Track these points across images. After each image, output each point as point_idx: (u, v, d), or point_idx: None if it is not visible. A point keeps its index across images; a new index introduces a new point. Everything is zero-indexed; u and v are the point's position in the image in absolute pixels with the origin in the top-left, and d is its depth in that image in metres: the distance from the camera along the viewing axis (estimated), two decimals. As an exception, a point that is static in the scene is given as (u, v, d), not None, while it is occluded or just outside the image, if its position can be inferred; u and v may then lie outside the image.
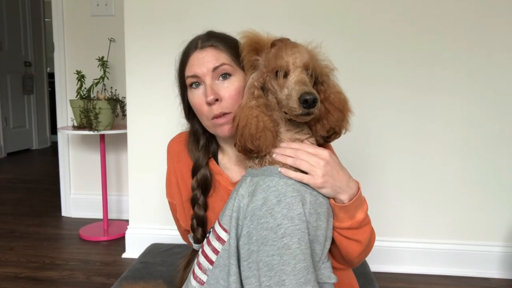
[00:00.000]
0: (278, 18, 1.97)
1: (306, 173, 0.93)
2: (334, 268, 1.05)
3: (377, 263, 2.02)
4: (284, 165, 0.94)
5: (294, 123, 0.96)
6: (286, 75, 0.90)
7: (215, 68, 1.04)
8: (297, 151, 0.94)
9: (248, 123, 0.93)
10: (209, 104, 1.04)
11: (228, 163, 1.17)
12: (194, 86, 1.08)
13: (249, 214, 0.89)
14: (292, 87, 0.88)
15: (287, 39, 0.95)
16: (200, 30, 1.15)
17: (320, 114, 0.94)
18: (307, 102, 0.84)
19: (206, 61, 1.05)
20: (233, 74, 1.05)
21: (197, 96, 1.07)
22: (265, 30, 0.98)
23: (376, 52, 1.95)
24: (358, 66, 1.95)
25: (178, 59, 1.14)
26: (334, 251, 1.05)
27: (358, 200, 0.97)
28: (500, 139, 1.95)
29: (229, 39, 1.10)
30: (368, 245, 1.04)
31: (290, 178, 0.91)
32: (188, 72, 1.08)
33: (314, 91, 0.86)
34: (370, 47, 1.95)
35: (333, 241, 1.02)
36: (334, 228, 0.99)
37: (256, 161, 0.98)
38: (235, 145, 0.98)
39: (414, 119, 1.97)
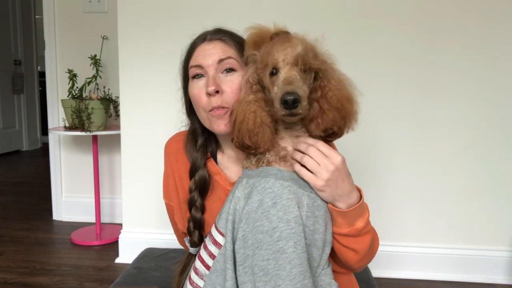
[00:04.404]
0: (274, 18, 1.97)
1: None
2: (335, 272, 1.06)
3: (379, 268, 2.02)
4: (294, 159, 0.93)
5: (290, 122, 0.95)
6: (277, 72, 0.89)
7: (220, 60, 1.04)
8: (309, 147, 0.93)
9: (246, 118, 0.93)
10: (209, 95, 1.03)
11: (228, 162, 1.17)
12: (196, 77, 1.08)
13: (245, 217, 0.89)
14: (279, 86, 0.87)
15: (284, 33, 0.94)
16: (196, 26, 1.16)
17: (314, 114, 0.93)
18: (286, 103, 0.84)
19: (212, 52, 1.05)
20: (238, 70, 1.05)
21: (197, 87, 1.07)
22: (272, 22, 0.97)
23: (381, 54, 1.95)
24: (362, 69, 1.95)
25: (184, 51, 1.14)
26: (334, 255, 1.05)
27: (359, 208, 0.96)
28: (506, 143, 1.96)
29: (238, 36, 1.11)
30: (370, 254, 1.04)
31: (287, 180, 0.91)
32: (193, 62, 1.08)
33: (298, 91, 0.85)
34: (374, 48, 1.95)
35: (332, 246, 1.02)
36: (332, 233, 0.99)
37: (253, 161, 0.97)
38: (232, 141, 0.98)
39: (419, 123, 1.97)
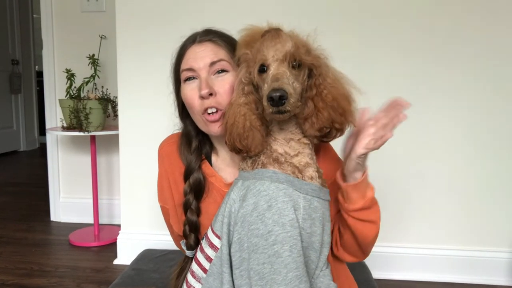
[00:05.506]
0: (273, 17, 1.97)
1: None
2: (342, 263, 1.10)
3: (380, 270, 2.03)
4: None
5: (284, 121, 0.94)
6: (267, 69, 0.89)
7: (212, 63, 1.05)
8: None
9: (236, 121, 0.93)
10: (202, 98, 1.04)
11: (222, 164, 1.18)
12: (188, 80, 1.08)
13: (240, 220, 0.89)
14: (268, 83, 0.86)
15: (274, 30, 0.93)
16: (195, 25, 1.16)
17: (309, 112, 0.92)
18: (273, 100, 0.83)
19: (204, 55, 1.05)
20: (230, 70, 1.06)
21: (190, 89, 1.08)
22: (266, 20, 0.96)
23: (381, 48, 1.96)
24: (359, 64, 1.96)
25: (175, 54, 1.14)
26: (348, 241, 1.07)
27: (366, 177, 1.02)
28: (508, 144, 1.96)
29: (228, 36, 1.11)
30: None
31: (282, 182, 0.90)
32: (184, 65, 1.08)
33: (285, 87, 0.84)
34: (377, 45, 1.96)
35: (345, 230, 1.04)
36: (347, 212, 1.02)
37: (249, 163, 0.97)
38: (226, 143, 0.98)
39: (420, 121, 1.97)
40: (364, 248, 1.09)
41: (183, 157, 1.16)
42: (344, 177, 1.03)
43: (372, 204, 1.03)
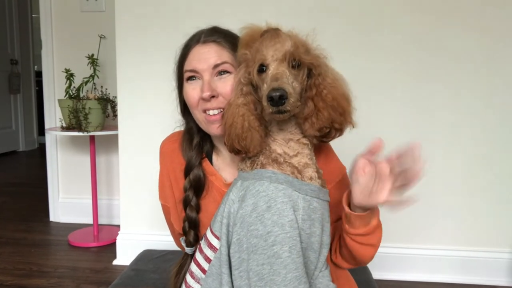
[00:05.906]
0: (273, 17, 1.97)
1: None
2: (340, 268, 1.10)
3: (380, 271, 2.03)
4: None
5: (283, 121, 0.94)
6: (267, 69, 0.89)
7: (216, 66, 1.05)
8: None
9: (234, 122, 0.94)
10: (204, 100, 1.05)
11: (222, 164, 1.18)
12: (191, 80, 1.09)
13: (239, 220, 0.89)
14: (267, 83, 0.86)
15: (273, 29, 0.93)
16: (195, 25, 1.15)
17: (309, 112, 0.92)
18: (273, 100, 0.83)
19: (208, 57, 1.06)
20: (233, 72, 1.06)
21: (192, 88, 1.08)
22: (265, 20, 0.96)
23: (381, 48, 1.96)
24: (359, 64, 1.96)
25: (179, 52, 1.14)
26: (346, 254, 1.07)
27: (376, 208, 0.98)
28: (509, 144, 1.96)
29: (233, 36, 1.10)
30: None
31: (282, 183, 0.90)
32: (188, 66, 1.09)
33: (285, 87, 0.83)
34: (377, 45, 1.96)
35: (344, 246, 1.04)
36: (347, 234, 1.00)
37: (248, 163, 0.98)
38: (225, 144, 0.99)
39: (420, 121, 1.97)
40: (362, 263, 1.10)
41: (184, 153, 1.17)
42: (349, 199, 0.99)
43: (375, 230, 1.00)
